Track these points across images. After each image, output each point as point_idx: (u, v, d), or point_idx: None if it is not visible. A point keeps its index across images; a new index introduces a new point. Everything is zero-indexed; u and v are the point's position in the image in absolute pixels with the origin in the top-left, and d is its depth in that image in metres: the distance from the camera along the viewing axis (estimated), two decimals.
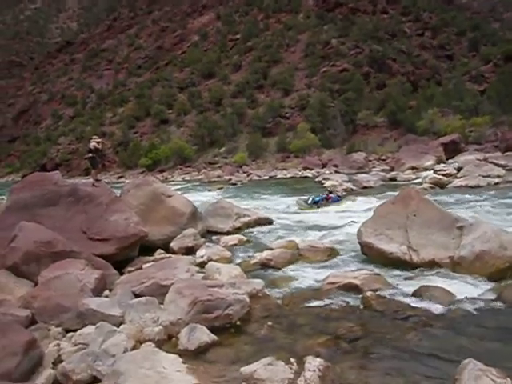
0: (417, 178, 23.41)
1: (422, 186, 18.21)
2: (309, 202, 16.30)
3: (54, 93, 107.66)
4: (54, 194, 9.62)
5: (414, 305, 5.76)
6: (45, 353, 4.87)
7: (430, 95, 43.77)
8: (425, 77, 51.20)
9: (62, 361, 4.76)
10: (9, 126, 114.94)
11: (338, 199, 16.17)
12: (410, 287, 6.40)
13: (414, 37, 61.55)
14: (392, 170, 28.77)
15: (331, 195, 16.21)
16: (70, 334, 5.60)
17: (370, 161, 35.70)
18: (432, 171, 23.43)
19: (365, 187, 20.53)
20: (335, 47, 58.33)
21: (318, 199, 16.01)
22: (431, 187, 18.46)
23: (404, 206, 8.32)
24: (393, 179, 23.63)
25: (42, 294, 6.26)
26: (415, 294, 6.07)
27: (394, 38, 57.63)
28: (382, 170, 29.27)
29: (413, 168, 27.45)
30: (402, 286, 6.54)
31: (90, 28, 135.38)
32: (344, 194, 16.68)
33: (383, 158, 37.38)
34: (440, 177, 19.93)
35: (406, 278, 6.99)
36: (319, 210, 15.13)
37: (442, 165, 25.66)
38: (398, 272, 7.32)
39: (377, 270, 7.34)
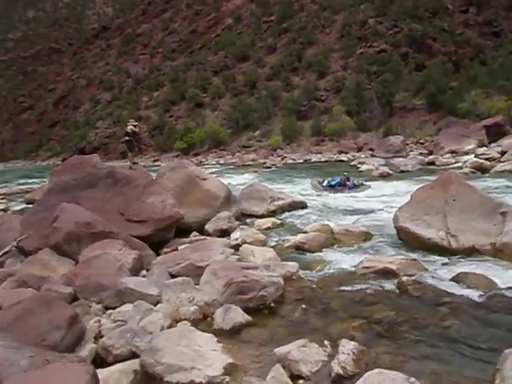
0: (456, 162, 22.63)
1: (462, 171, 17.59)
2: (324, 184, 15.86)
3: (91, 78, 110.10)
4: (92, 176, 9.88)
5: (452, 291, 5.62)
6: (86, 328, 5.07)
7: (473, 75, 41.72)
8: (468, 56, 48.79)
9: (102, 336, 4.94)
10: (49, 111, 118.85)
11: (355, 186, 15.35)
12: (448, 273, 6.25)
13: (456, 14, 58.57)
14: (430, 153, 27.90)
15: (348, 182, 15.50)
16: (110, 311, 5.80)
17: (408, 144, 34.73)
18: (473, 155, 22.53)
19: (402, 171, 20.03)
20: (372, 27, 56.50)
21: (334, 183, 15.48)
22: (472, 172, 17.80)
23: (443, 191, 8.09)
24: (431, 163, 22.93)
25: (82, 272, 6.49)
26: (454, 281, 5.92)
27: (435, 16, 54.89)
28: (420, 154, 28.43)
29: (452, 152, 26.53)
30: (440, 272, 6.39)
31: (126, 13, 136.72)
32: (360, 182, 15.91)
33: (421, 141, 36.28)
34: (482, 161, 19.15)
35: (443, 264, 6.83)
36: (332, 195, 14.47)
37: (484, 148, 24.63)
38: (435, 258, 7.16)
39: (413, 256, 7.19)
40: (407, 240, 8.05)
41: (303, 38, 64.69)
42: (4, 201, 20.47)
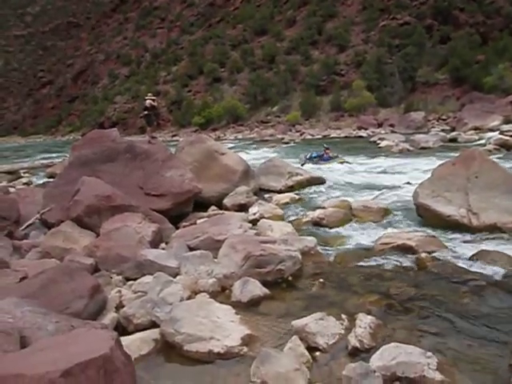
0: (480, 139, 22.05)
1: (485, 148, 17.14)
2: (307, 157, 17.20)
3: (109, 52, 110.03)
4: (112, 150, 9.96)
5: (472, 269, 5.55)
6: (108, 298, 5.20)
7: (501, 48, 39.88)
8: (497, 27, 46.52)
9: (123, 306, 5.05)
10: (69, 86, 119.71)
11: (329, 159, 16.59)
12: (468, 251, 6.16)
13: None
14: (453, 130, 27.25)
15: (325, 155, 16.77)
16: (130, 282, 5.92)
17: (429, 120, 33.98)
18: (498, 132, 21.89)
19: (423, 148, 19.67)
20: None
21: (314, 155, 16.94)
22: (496, 149, 17.31)
23: (465, 168, 7.91)
24: (453, 140, 22.43)
25: (103, 244, 6.62)
26: (474, 258, 5.84)
27: None
28: (442, 131, 27.80)
29: (476, 128, 25.83)
30: (460, 250, 6.31)
31: None
32: (335, 155, 17.10)
33: (443, 117, 35.42)
34: (507, 138, 18.56)
35: (463, 242, 6.72)
36: (311, 166, 15.74)
37: (510, 125, 23.91)
38: (455, 235, 7.05)
39: (432, 233, 7.10)
40: (427, 217, 7.95)
41: (323, 11, 63.13)
42: (27, 175, 20.91)
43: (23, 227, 8.75)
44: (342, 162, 16.40)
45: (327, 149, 17.28)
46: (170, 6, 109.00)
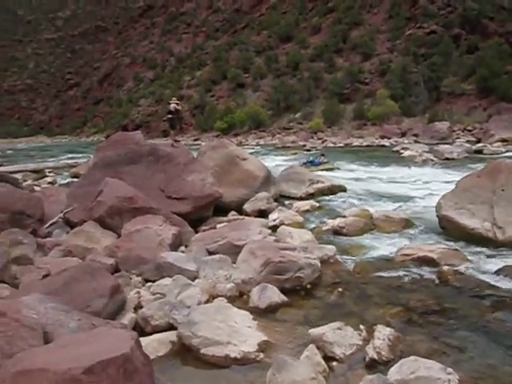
0: (507, 151, 21.59)
1: None
2: (304, 161, 19.04)
3: (135, 56, 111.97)
4: (135, 153, 10.10)
5: (496, 284, 5.42)
6: (127, 298, 5.26)
7: None
8: None
9: (141, 307, 5.10)
10: (95, 89, 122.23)
11: (318, 164, 18.28)
12: (492, 266, 6.02)
13: None
14: (478, 141, 26.74)
15: (317, 160, 18.61)
16: (149, 283, 5.98)
17: (454, 131, 33.39)
18: None
19: (447, 159, 19.33)
20: (423, 7, 54.09)
21: (310, 160, 18.76)
22: None
23: (491, 180, 7.75)
24: (479, 151, 21.98)
25: (124, 245, 6.70)
26: (498, 273, 5.70)
27: None
28: (467, 142, 27.29)
29: (503, 140, 25.29)
30: (484, 264, 6.17)
31: None
32: (325, 161, 18.83)
33: (469, 128, 34.77)
34: None
35: (487, 256, 6.57)
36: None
37: None
38: (478, 249, 6.90)
39: (455, 246, 6.96)
40: (449, 229, 7.81)
41: (349, 19, 63.00)
42: (51, 174, 21.37)
43: (47, 225, 8.93)
44: (328, 169, 17.89)
45: (322, 155, 19.40)
46: (196, 11, 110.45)
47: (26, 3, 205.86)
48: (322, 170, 17.34)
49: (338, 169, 17.77)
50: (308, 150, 29.86)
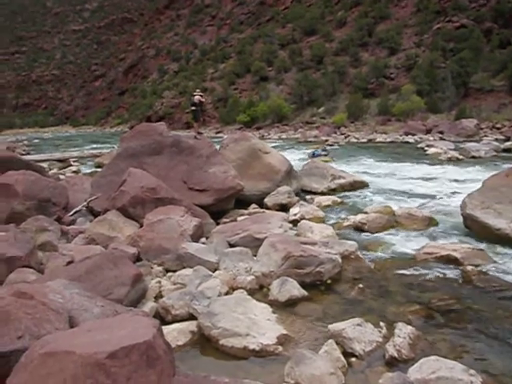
0: None
1: None
2: (310, 153, 21.91)
3: (160, 48, 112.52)
4: (159, 144, 10.20)
5: None
6: (148, 287, 5.33)
7: None
8: None
9: (162, 296, 5.18)
10: (119, 80, 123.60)
11: (318, 155, 20.71)
12: None
13: None
14: (508, 139, 25.98)
15: (316, 152, 21.54)
16: (170, 273, 6.06)
17: (482, 129, 32.50)
18: None
19: (473, 157, 18.86)
20: (454, 0, 52.78)
21: (316, 152, 21.49)
22: None
23: None
24: (508, 150, 21.33)
25: (146, 234, 6.79)
26: None
27: None
28: (496, 140, 26.52)
29: None
30: (509, 265, 6.02)
31: None
32: (325, 154, 21.33)
33: (498, 126, 33.76)
34: None
35: None
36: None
37: None
38: (504, 250, 6.73)
39: (480, 246, 6.82)
40: (474, 229, 7.65)
41: (375, 12, 61.80)
42: (76, 163, 21.78)
43: (71, 213, 9.13)
44: (325, 161, 19.29)
45: (324, 149, 22.35)
46: (221, 3, 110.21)
47: None
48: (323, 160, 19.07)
49: (334, 161, 19.12)
50: (330, 145, 29.57)
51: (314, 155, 20.96)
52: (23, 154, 25.21)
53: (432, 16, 54.01)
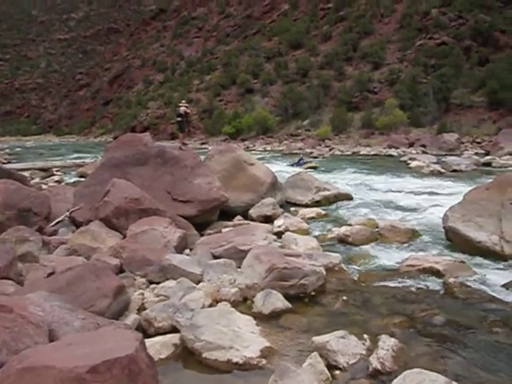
0: None
1: None
2: (294, 162, 23.94)
3: (146, 59, 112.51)
4: (143, 154, 10.15)
5: (503, 298, 5.37)
6: (131, 299, 5.26)
7: None
8: None
9: (145, 309, 5.11)
10: (104, 89, 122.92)
11: (303, 164, 23.10)
12: (499, 280, 5.98)
13: None
14: (487, 154, 26.55)
15: (301, 161, 23.77)
16: (153, 285, 5.99)
17: (463, 143, 33.19)
18: None
19: (454, 170, 19.21)
20: (435, 18, 53.91)
21: (295, 162, 23.71)
22: None
23: (500, 193, 7.70)
24: (487, 164, 21.81)
25: (129, 245, 6.72)
26: (505, 287, 5.65)
27: (506, 6, 51.18)
28: (476, 154, 27.09)
29: None
30: (490, 278, 6.11)
31: None
32: (307, 160, 24.36)
33: (478, 140, 34.50)
34: None
35: (494, 270, 6.51)
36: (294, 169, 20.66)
37: None
38: (485, 262, 6.85)
39: (461, 258, 6.90)
40: (456, 241, 7.76)
41: (360, 27, 62.98)
42: (59, 173, 21.50)
43: (53, 224, 8.98)
44: (311, 167, 22.12)
45: (301, 159, 24.49)
46: (208, 16, 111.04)
47: (40, 3, 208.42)
48: (307, 168, 21.64)
49: (320, 167, 20.27)
50: (315, 157, 29.83)
51: (298, 164, 22.56)
52: (4, 163, 24.85)
53: (414, 33, 55.28)
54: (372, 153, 33.18)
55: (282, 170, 20.41)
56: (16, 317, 3.02)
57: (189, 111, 12.52)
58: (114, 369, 2.15)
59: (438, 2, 56.27)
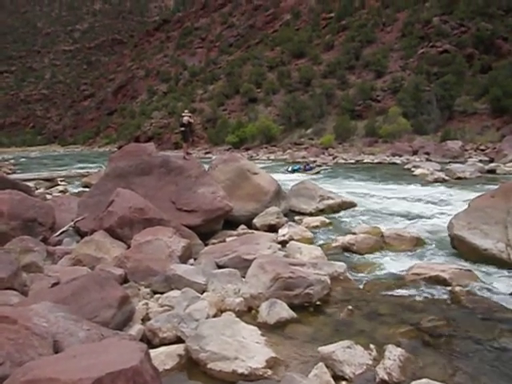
0: None
1: None
2: (289, 169, 24.37)
3: (149, 69, 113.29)
4: (147, 164, 10.18)
5: (510, 307, 5.31)
6: (135, 309, 5.23)
7: None
8: None
9: (149, 319, 5.09)
10: (109, 100, 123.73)
11: (311, 169, 24.18)
12: (506, 288, 5.94)
13: None
14: (491, 161, 26.44)
15: (307, 166, 24.51)
16: (157, 295, 5.97)
17: (467, 150, 33.09)
18: None
19: (459, 178, 19.14)
20: (436, 26, 54.11)
21: (296, 168, 24.30)
22: None
23: (505, 201, 7.66)
24: (492, 171, 21.71)
25: (134, 255, 6.71)
26: None
27: (508, 14, 51.34)
28: (480, 161, 27.00)
29: None
30: (497, 286, 6.07)
31: (186, 6, 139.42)
32: (315, 165, 25.63)
33: (482, 147, 34.40)
34: None
35: (501, 278, 6.46)
36: (299, 175, 21.70)
37: None
38: (492, 270, 6.80)
39: (467, 266, 6.86)
40: (462, 249, 7.71)
41: (362, 36, 63.29)
42: (63, 183, 21.58)
43: (57, 234, 8.99)
44: (318, 172, 23.73)
45: (307, 164, 25.56)
46: (211, 26, 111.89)
47: (45, 16, 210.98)
48: (315, 173, 23.23)
49: (324, 175, 20.96)
50: (319, 166, 29.81)
51: (306, 169, 23.43)
52: (9, 173, 24.96)
53: (416, 41, 55.47)
54: (376, 161, 33.13)
55: (288, 178, 20.41)
56: (20, 328, 3.01)
57: (192, 121, 12.56)
58: (118, 381, 2.13)
59: (440, 11, 56.52)
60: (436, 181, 18.49)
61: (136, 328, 4.81)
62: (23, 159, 56.72)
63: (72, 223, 9.31)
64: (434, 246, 8.38)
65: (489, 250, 7.14)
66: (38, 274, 6.07)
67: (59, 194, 17.02)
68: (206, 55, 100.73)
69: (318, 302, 5.58)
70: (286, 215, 11.12)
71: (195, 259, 7.49)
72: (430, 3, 59.36)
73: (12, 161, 47.94)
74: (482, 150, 33.45)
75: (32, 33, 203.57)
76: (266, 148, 50.29)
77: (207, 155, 47.89)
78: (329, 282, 5.91)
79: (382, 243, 8.41)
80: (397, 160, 32.00)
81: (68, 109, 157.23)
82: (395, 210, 12.18)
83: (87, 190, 14.00)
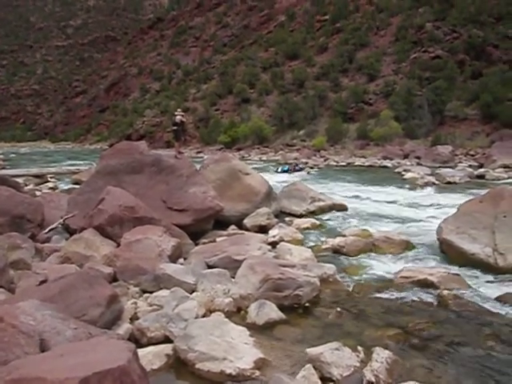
0: (510, 177, 21.53)
1: None
2: (278, 170, 24.88)
3: (143, 67, 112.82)
4: (139, 162, 10.13)
5: (496, 311, 5.39)
6: (124, 308, 5.21)
7: None
8: None
9: (138, 318, 5.06)
10: (101, 97, 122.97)
11: (300, 169, 25.18)
12: (493, 292, 6.00)
13: None
14: (481, 166, 26.75)
15: (296, 167, 25.37)
16: (146, 294, 5.94)
17: (457, 155, 33.42)
18: None
19: (448, 182, 19.32)
20: (429, 32, 54.58)
21: (285, 168, 24.79)
22: None
23: (493, 206, 7.76)
24: (481, 177, 21.94)
25: (123, 254, 6.67)
26: (499, 300, 5.67)
27: (498, 22, 52.05)
28: (469, 166, 27.28)
29: (505, 166, 25.24)
30: (484, 290, 6.14)
31: (181, 5, 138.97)
32: (304, 166, 26.46)
33: (472, 153, 34.78)
34: None
35: (488, 282, 6.54)
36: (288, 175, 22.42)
37: None
38: (479, 274, 6.88)
39: (455, 270, 6.93)
40: (450, 253, 7.79)
41: (356, 39, 63.62)
42: (53, 180, 21.38)
43: (46, 231, 8.92)
44: (308, 172, 24.51)
45: (296, 165, 26.47)
46: (205, 26, 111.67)
47: (38, 10, 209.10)
48: (307, 173, 23.99)
49: (315, 177, 21.27)
50: (310, 168, 29.90)
51: (295, 170, 23.90)
52: None
53: (409, 46, 55.90)
54: (367, 164, 33.31)
55: (278, 180, 20.45)
56: (6, 326, 2.98)
57: (185, 120, 12.55)
58: (105, 380, 2.12)
59: (433, 17, 57.01)
60: (426, 185, 18.64)
61: (124, 327, 4.78)
62: (13, 155, 56.10)
63: (61, 220, 9.24)
64: (422, 249, 8.44)
65: (476, 254, 7.22)
66: (26, 272, 6.02)
67: (49, 190, 16.86)
68: (200, 54, 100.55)
69: (307, 304, 5.60)
70: (276, 216, 11.13)
71: (185, 259, 7.47)
72: (424, 9, 59.73)
73: (1, 156, 47.38)
74: (472, 156, 33.80)
75: (24, 27, 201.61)
76: (258, 149, 50.33)
77: (199, 154, 47.79)
78: (318, 283, 5.93)
79: (371, 246, 8.45)
80: (388, 163, 32.22)
81: (59, 105, 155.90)
82: (385, 213, 12.26)
83: (77, 187, 13.88)
